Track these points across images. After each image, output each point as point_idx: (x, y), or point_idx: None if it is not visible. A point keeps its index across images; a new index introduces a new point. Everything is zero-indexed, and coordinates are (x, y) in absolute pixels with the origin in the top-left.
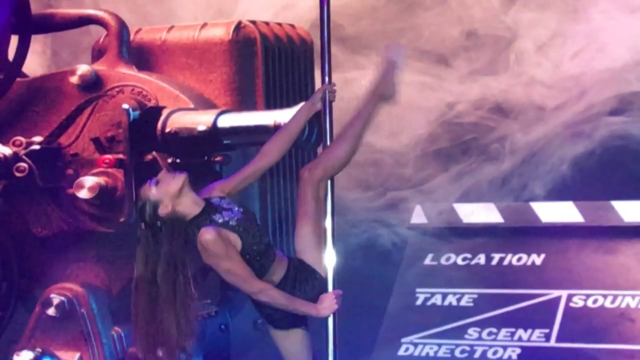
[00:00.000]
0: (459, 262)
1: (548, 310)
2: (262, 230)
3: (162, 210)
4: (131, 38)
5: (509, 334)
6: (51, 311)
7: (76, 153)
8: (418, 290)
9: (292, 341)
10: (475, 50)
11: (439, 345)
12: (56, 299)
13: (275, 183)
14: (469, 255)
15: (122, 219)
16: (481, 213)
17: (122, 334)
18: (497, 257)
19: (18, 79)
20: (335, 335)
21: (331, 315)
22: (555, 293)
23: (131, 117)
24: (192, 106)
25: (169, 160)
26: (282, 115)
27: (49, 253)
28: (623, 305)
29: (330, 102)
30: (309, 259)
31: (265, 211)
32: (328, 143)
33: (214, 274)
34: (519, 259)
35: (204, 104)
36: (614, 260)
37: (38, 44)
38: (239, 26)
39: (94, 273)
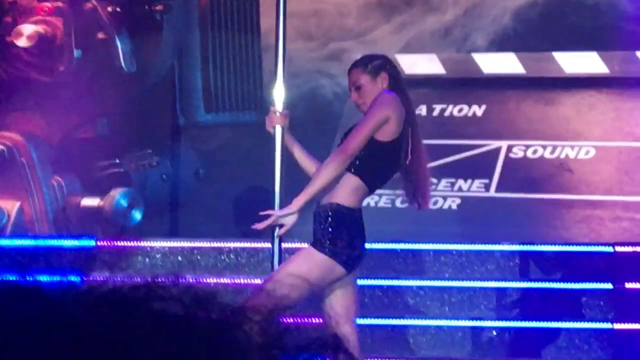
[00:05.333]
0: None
1: (488, 161)
2: None
3: None
4: None
5: (449, 184)
6: None
7: (14, 0)
8: None
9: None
10: None
11: (380, 195)
12: None
13: (217, 35)
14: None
15: (61, 68)
16: (423, 64)
17: (63, 183)
18: (438, 108)
19: None
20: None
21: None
22: (495, 144)
23: None
24: None
25: (109, 9)
26: None
27: None
28: (562, 156)
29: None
30: None
31: (207, 64)
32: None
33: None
34: (460, 110)
35: None
36: (554, 111)
37: None
38: None
39: (34, 122)
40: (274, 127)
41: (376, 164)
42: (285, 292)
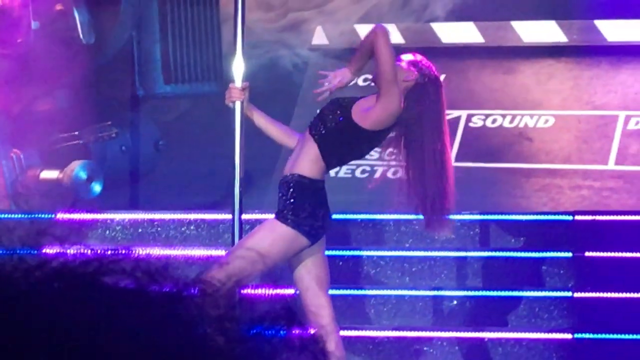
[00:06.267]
0: (360, 83)
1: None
2: None
3: None
4: None
5: None
6: None
7: None
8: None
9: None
10: None
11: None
12: None
13: (175, 5)
14: (369, 76)
15: (19, 40)
16: None
17: (21, 156)
18: None
19: None
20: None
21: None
22: (454, 113)
23: None
24: None
25: None
26: None
27: None
28: (521, 125)
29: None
30: None
31: (165, 35)
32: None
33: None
34: None
35: None
36: (513, 80)
37: None
38: None
39: None
40: (233, 102)
41: (340, 142)
42: (241, 265)
